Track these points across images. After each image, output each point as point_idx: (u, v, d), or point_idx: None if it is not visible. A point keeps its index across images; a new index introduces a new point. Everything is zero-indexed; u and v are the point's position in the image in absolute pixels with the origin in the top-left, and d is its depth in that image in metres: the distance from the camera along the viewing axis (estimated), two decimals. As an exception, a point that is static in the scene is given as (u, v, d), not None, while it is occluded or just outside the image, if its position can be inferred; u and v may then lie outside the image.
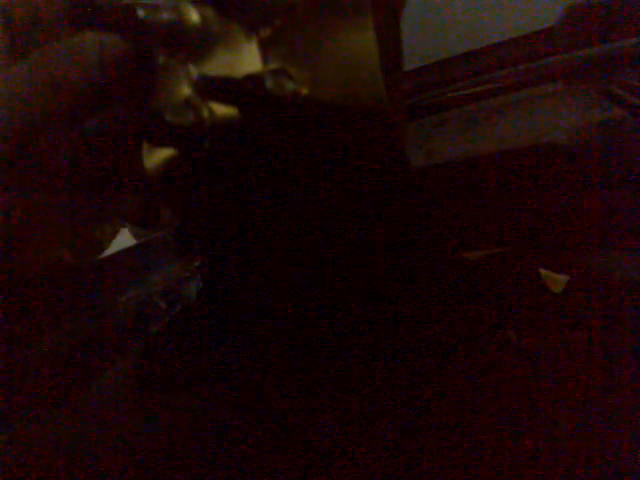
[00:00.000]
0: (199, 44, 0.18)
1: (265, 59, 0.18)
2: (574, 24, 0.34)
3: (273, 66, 0.18)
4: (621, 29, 0.33)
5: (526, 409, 0.16)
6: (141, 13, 0.17)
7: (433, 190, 0.27)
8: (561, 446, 0.14)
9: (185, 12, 0.18)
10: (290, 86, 0.18)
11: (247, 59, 0.18)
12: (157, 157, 0.19)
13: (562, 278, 0.21)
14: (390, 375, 0.18)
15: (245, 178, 0.20)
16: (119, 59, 0.17)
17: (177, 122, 0.18)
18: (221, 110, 0.18)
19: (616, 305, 0.19)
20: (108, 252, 0.24)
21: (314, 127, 0.19)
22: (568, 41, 0.34)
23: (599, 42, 0.33)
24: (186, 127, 0.18)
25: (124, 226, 0.27)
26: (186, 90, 0.19)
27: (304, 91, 0.18)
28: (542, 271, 0.21)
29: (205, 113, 0.19)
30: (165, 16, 0.17)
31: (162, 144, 0.19)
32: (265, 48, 0.18)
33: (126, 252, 0.30)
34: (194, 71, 0.19)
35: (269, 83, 0.18)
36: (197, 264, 0.27)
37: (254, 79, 0.18)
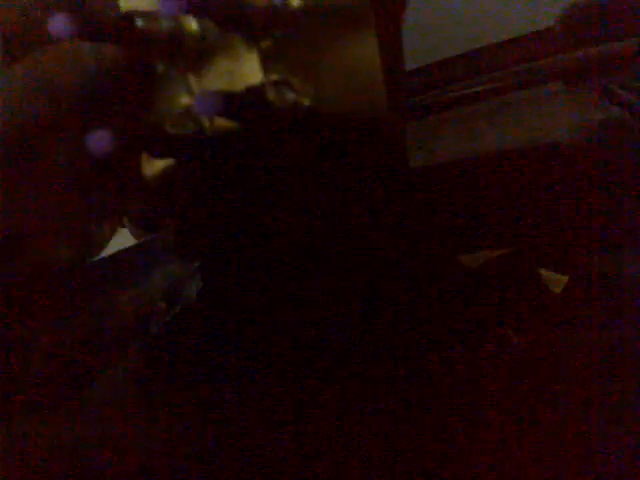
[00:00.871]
0: (199, 53, 0.18)
1: (266, 70, 0.18)
2: (574, 24, 0.34)
3: (274, 77, 0.18)
4: (621, 29, 0.33)
5: (526, 409, 0.16)
6: (140, 23, 0.17)
7: (433, 190, 0.27)
8: (561, 446, 0.14)
9: (185, 22, 0.18)
10: (292, 97, 0.18)
11: (248, 69, 0.18)
12: (157, 165, 0.19)
13: (562, 278, 0.21)
14: (390, 375, 0.18)
15: (246, 183, 0.20)
16: (115, 66, 0.17)
17: (177, 133, 0.18)
18: (221, 120, 0.18)
19: (616, 305, 0.19)
20: (108, 252, 0.24)
21: (315, 137, 0.19)
22: (568, 41, 0.34)
23: (599, 42, 0.33)
24: (186, 138, 0.18)
25: (124, 226, 0.27)
26: (186, 99, 0.19)
27: (306, 102, 0.18)
28: (542, 271, 0.21)
29: (205, 123, 0.19)
30: (164, 25, 0.17)
31: (162, 156, 0.19)
32: (266, 59, 0.18)
33: (126, 252, 0.30)
34: (194, 80, 0.18)
35: (271, 94, 0.18)
36: (197, 264, 0.27)
37: (255, 91, 0.18)
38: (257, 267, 0.22)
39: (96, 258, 0.21)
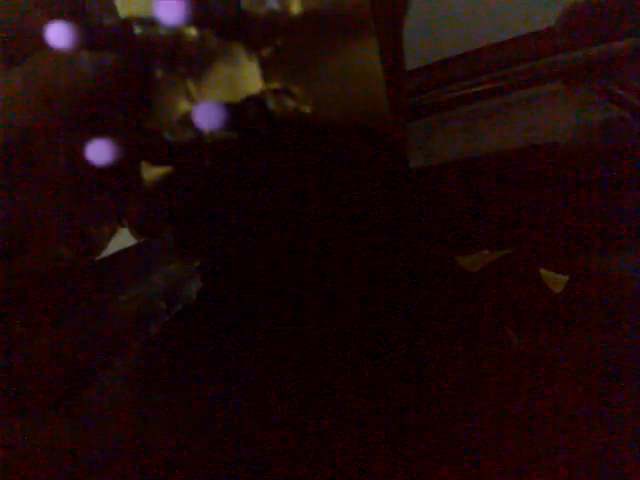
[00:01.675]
0: (198, 60, 0.18)
1: (266, 78, 0.18)
2: (574, 24, 0.34)
3: (275, 85, 0.18)
4: (621, 29, 0.33)
5: (526, 409, 0.16)
6: (138, 30, 0.17)
7: (433, 190, 0.27)
8: (561, 446, 0.14)
9: (184, 28, 0.17)
10: (292, 105, 0.18)
11: (248, 76, 0.18)
12: (156, 170, 0.19)
13: (562, 278, 0.21)
14: (389, 374, 0.18)
15: (246, 186, 0.20)
16: (114, 73, 0.17)
17: (176, 140, 0.18)
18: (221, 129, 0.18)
19: (616, 305, 0.19)
20: (108, 252, 0.24)
21: (316, 145, 0.18)
22: (568, 41, 0.34)
23: (599, 42, 0.33)
24: (186, 145, 0.18)
25: (124, 226, 0.27)
26: (185, 105, 0.19)
27: (307, 110, 0.18)
28: (542, 271, 0.21)
29: (205, 130, 0.19)
30: (163, 32, 0.17)
31: (161, 164, 0.19)
32: (266, 67, 0.18)
33: (126, 252, 0.29)
34: (193, 87, 0.18)
35: (271, 103, 0.18)
36: (197, 264, 0.27)
37: (255, 101, 0.18)
38: (257, 267, 0.22)
39: (96, 258, 0.21)
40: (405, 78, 0.27)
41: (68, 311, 0.23)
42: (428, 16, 0.37)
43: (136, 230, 0.21)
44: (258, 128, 0.18)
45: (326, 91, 0.17)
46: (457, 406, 0.17)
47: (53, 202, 0.18)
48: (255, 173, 0.19)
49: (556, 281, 0.21)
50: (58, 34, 0.15)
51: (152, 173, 0.19)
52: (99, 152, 0.15)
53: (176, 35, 0.17)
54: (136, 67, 0.18)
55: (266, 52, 0.17)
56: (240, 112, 0.17)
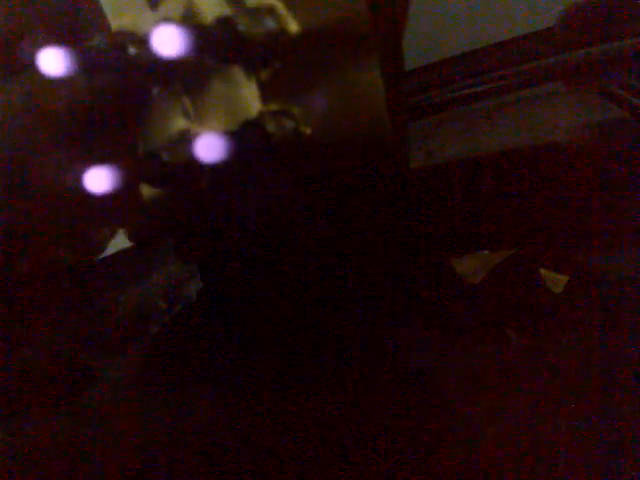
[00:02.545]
0: (196, 80, 0.18)
1: (265, 100, 0.17)
2: (574, 24, 0.34)
3: (273, 107, 0.17)
4: (621, 29, 0.33)
5: (526, 409, 0.16)
6: (132, 50, 0.16)
7: (433, 190, 0.27)
8: (561, 446, 0.14)
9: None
10: (292, 126, 0.17)
11: (246, 95, 0.17)
12: (154, 189, 0.19)
13: (562, 278, 0.21)
14: (389, 374, 0.18)
15: (246, 199, 0.20)
16: (109, 93, 0.17)
17: (174, 161, 0.17)
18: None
19: (616, 305, 0.19)
20: (108, 252, 0.24)
21: (316, 166, 0.18)
22: (568, 41, 0.34)
23: (599, 42, 0.33)
24: (183, 166, 0.18)
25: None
26: (181, 122, 0.18)
27: (307, 131, 0.17)
28: (542, 271, 0.21)
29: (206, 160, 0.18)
30: (159, 54, 0.17)
31: (160, 185, 0.19)
32: (265, 88, 0.17)
33: (126, 252, 0.29)
34: (191, 107, 0.18)
35: (270, 126, 0.17)
36: (197, 264, 0.27)
37: (254, 124, 0.17)
38: (257, 267, 0.22)
39: (96, 258, 0.21)
40: (405, 78, 0.27)
41: (68, 311, 0.23)
42: (428, 16, 0.37)
43: (135, 241, 0.21)
44: (257, 150, 0.17)
45: (326, 112, 0.17)
46: (457, 405, 0.17)
47: (53, 203, 0.18)
48: (253, 185, 0.19)
49: (556, 281, 0.21)
50: (54, 60, 0.14)
51: (150, 191, 0.19)
52: (96, 181, 0.15)
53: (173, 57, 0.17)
54: (132, 88, 0.18)
55: (264, 73, 0.17)
56: (239, 135, 0.17)
